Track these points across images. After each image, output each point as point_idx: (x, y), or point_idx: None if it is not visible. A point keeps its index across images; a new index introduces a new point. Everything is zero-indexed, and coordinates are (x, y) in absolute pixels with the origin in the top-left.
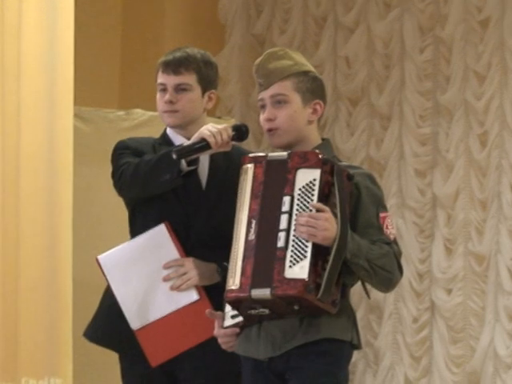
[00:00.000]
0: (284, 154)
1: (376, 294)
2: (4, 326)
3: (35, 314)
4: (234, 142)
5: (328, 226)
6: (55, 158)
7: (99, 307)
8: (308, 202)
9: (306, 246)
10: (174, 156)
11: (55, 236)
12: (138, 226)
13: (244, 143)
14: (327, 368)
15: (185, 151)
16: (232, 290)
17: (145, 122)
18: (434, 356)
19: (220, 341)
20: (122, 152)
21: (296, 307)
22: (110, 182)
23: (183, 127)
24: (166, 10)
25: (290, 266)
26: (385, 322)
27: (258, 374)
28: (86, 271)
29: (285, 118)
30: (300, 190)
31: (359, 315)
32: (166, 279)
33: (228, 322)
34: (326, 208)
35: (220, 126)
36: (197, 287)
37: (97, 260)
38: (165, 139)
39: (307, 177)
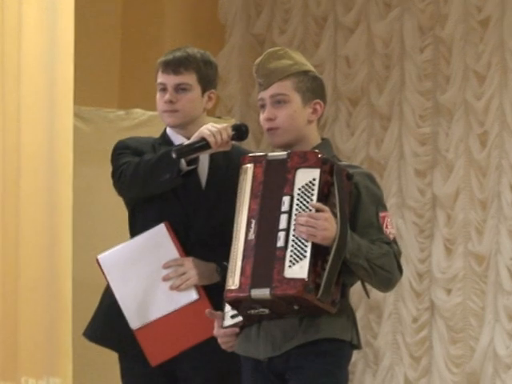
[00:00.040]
0: (283, 153)
1: (376, 293)
2: (4, 326)
3: (35, 313)
4: (233, 142)
5: (327, 225)
6: (55, 158)
7: (99, 307)
8: (307, 202)
9: (306, 246)
10: (174, 155)
11: (55, 236)
12: (137, 226)
13: (244, 143)
14: (327, 368)
15: (184, 151)
16: (231, 290)
17: (145, 122)
18: (434, 356)
19: (220, 341)
20: (122, 152)
21: (296, 307)
22: (110, 181)
23: (183, 127)
24: (165, 10)
25: (290, 266)
26: (384, 321)
27: (257, 374)
28: (86, 271)
29: (285, 118)
30: (299, 189)
31: (359, 315)
32: (165, 279)
33: (228, 321)
34: (326, 208)
35: (220, 126)
36: (196, 287)
37: (96, 260)
38: (165, 139)
39: (307, 176)
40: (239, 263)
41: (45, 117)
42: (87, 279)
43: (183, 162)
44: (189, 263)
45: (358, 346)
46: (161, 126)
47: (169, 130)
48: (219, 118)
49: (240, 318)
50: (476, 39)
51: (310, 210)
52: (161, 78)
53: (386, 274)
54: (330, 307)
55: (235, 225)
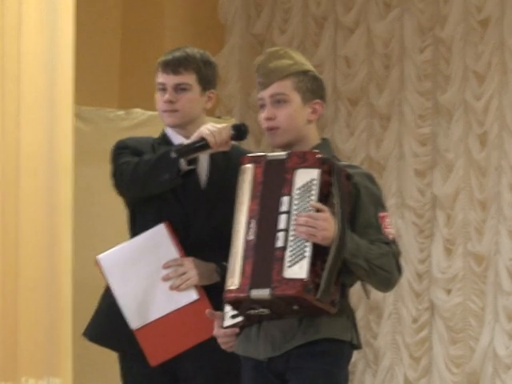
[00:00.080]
0: (283, 154)
1: (375, 294)
2: (4, 326)
3: (35, 313)
4: (233, 142)
5: (327, 225)
6: (55, 158)
7: (98, 307)
8: (307, 202)
9: (305, 246)
10: (174, 155)
11: (55, 236)
12: (137, 226)
13: (243, 143)
14: (327, 368)
15: (184, 150)
16: (231, 291)
17: (144, 122)
18: (434, 356)
19: (220, 341)
20: (122, 151)
21: (295, 307)
22: (110, 181)
23: (183, 127)
24: (165, 10)
25: (289, 266)
26: (384, 322)
27: (257, 374)
28: (86, 271)
29: (284, 118)
30: (299, 189)
31: (359, 315)
32: (165, 279)
33: (228, 322)
34: (325, 208)
35: (219, 126)
36: (196, 287)
37: (96, 260)
38: (164, 139)
39: (306, 177)
40: (239, 263)
41: (45, 117)
42: (87, 279)
43: (183, 161)
44: (189, 263)
45: (357, 346)
46: (161, 126)
47: (168, 130)
48: (219, 117)
49: (240, 318)
50: (476, 39)
51: (310, 210)
52: (160, 78)
53: (385, 274)
54: (330, 307)
55: (235, 225)
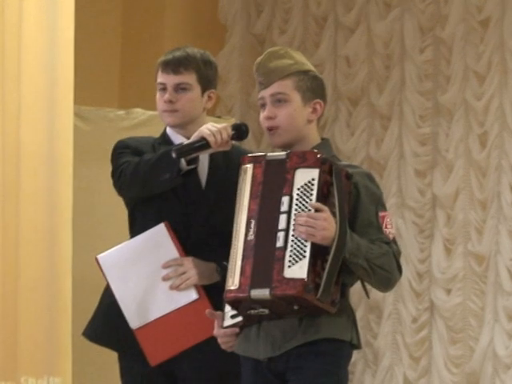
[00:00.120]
0: (283, 153)
1: (375, 293)
2: (4, 326)
3: (35, 313)
4: (233, 142)
5: (327, 225)
6: (55, 158)
7: (98, 306)
8: (307, 202)
9: (305, 246)
10: (174, 155)
11: (55, 236)
12: (137, 226)
13: (244, 142)
14: (327, 368)
15: (184, 150)
16: (231, 290)
17: (144, 122)
18: (434, 356)
19: (219, 341)
20: (122, 151)
21: (295, 307)
22: (110, 181)
23: (183, 127)
24: (165, 10)
25: (289, 266)
26: (384, 322)
27: (257, 374)
28: (86, 271)
29: (285, 117)
30: (299, 189)
31: (358, 315)
32: (165, 278)
33: (227, 321)
34: (325, 208)
35: (220, 125)
36: (196, 287)
37: (96, 259)
38: (164, 139)
39: (306, 176)
40: (239, 263)
41: (45, 116)
42: (87, 279)
43: (183, 161)
44: (188, 263)
45: (357, 346)
46: (161, 126)
47: (169, 130)
48: (219, 117)
49: (240, 318)
50: (476, 39)
51: (310, 210)
52: (160, 78)
53: (385, 273)
54: (330, 307)
55: (235, 225)
